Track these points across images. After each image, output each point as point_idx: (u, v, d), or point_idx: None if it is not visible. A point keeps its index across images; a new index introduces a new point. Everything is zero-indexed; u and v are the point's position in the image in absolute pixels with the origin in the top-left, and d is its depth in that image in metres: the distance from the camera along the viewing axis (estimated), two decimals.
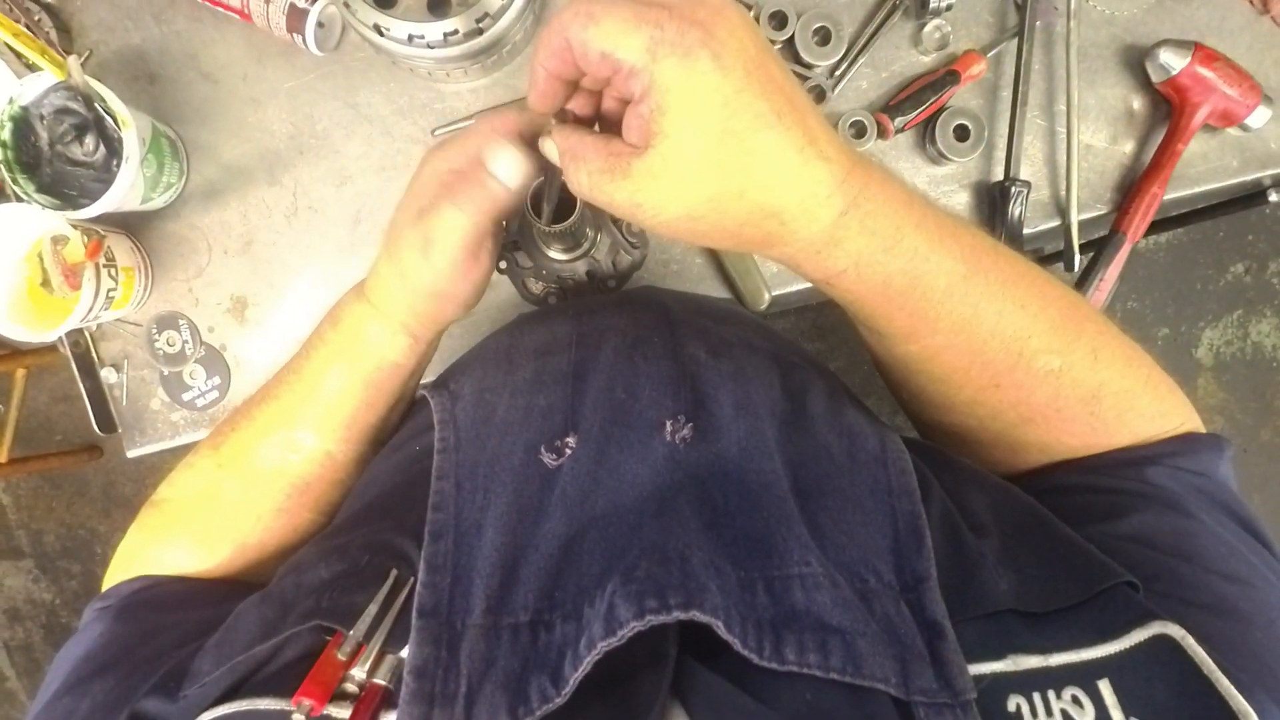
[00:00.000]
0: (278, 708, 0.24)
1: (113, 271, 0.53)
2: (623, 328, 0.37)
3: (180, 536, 0.39)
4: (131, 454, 0.59)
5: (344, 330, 0.38)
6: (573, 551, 0.26)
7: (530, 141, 0.32)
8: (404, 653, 0.24)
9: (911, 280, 0.30)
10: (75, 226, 0.50)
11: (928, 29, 0.57)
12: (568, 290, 0.53)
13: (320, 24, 0.54)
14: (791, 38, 0.56)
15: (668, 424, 0.31)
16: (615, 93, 0.29)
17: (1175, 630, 0.23)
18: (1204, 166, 0.63)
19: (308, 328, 0.58)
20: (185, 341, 0.59)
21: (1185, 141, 0.58)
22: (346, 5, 0.49)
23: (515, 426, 0.32)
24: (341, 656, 0.24)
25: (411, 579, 0.27)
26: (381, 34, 0.49)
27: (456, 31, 0.49)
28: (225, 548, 0.39)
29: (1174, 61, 0.57)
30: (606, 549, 0.26)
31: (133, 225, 0.57)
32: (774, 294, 0.58)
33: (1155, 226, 1.08)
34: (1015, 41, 0.57)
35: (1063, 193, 0.60)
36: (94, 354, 0.59)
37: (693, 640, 0.23)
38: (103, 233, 0.52)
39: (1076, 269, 0.60)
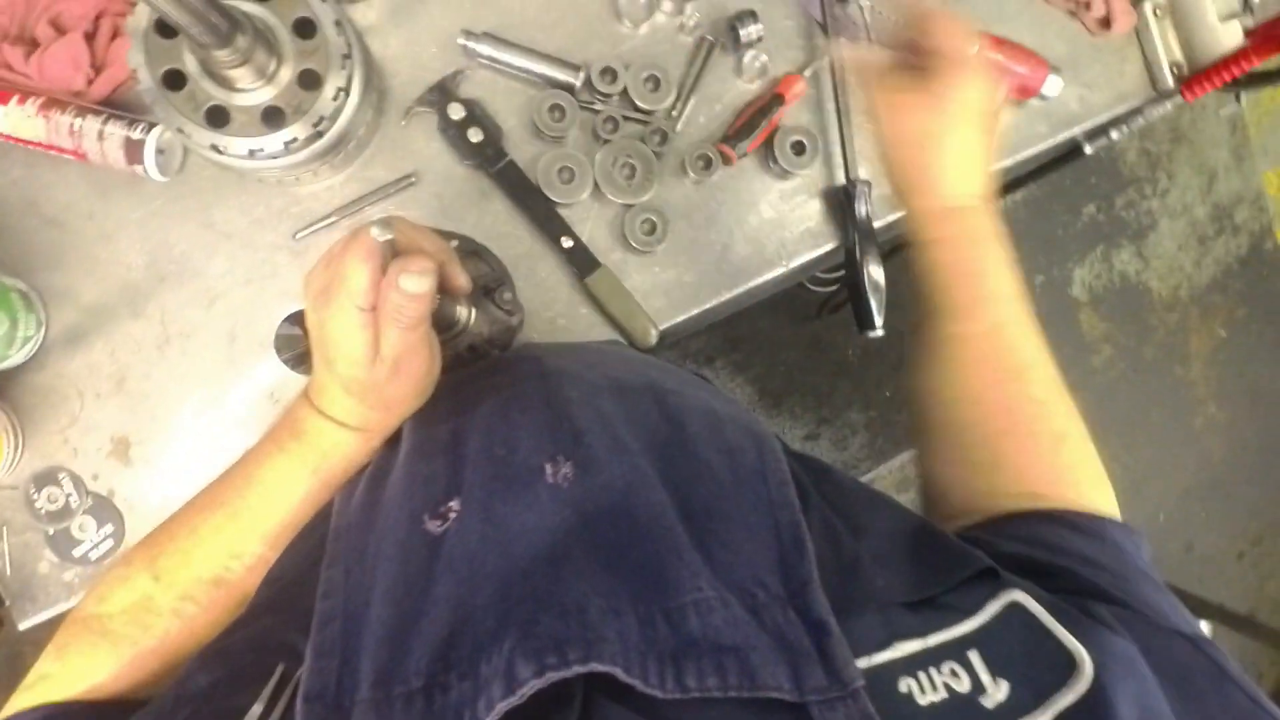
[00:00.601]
0: None
1: None
2: (497, 386, 0.39)
3: (107, 655, 0.38)
4: (23, 626, 0.55)
5: (309, 441, 0.39)
6: (465, 611, 0.27)
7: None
8: None
9: (979, 271, 0.45)
10: None
11: (746, 60, 0.62)
12: (457, 364, 0.54)
13: (160, 150, 0.54)
14: (625, 89, 0.59)
15: (547, 466, 0.32)
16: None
17: (1020, 595, 0.26)
18: (1019, 136, 0.70)
19: (201, 456, 0.57)
20: (69, 495, 0.56)
21: None
22: (180, 130, 0.49)
23: (399, 499, 0.32)
24: None
25: (299, 672, 0.26)
26: (220, 153, 0.50)
27: (295, 139, 0.50)
28: (150, 658, 0.38)
29: None
30: (501, 604, 0.26)
31: None
32: (661, 327, 0.60)
33: (1009, 188, 1.18)
34: (828, 59, 0.63)
35: None
36: None
37: (601, 678, 0.23)
38: None
39: None
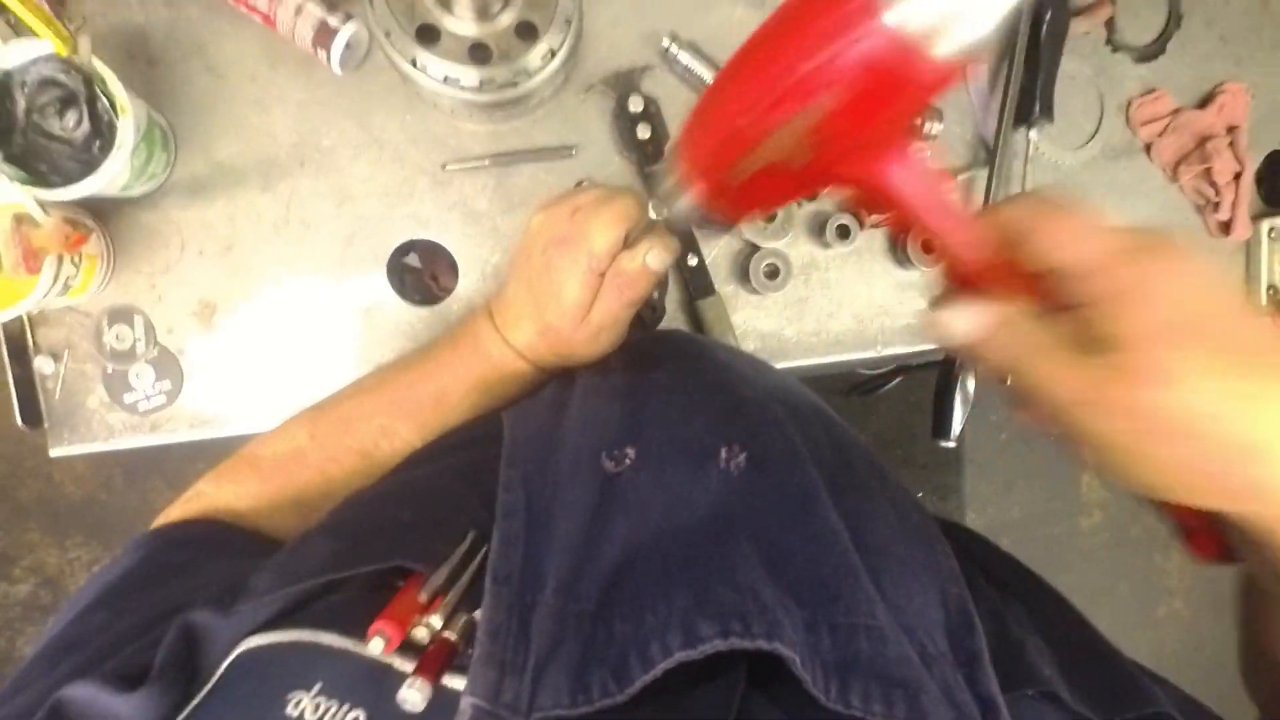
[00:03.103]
0: (340, 645, 0.23)
1: (76, 259, 0.49)
2: (669, 358, 0.40)
3: (254, 489, 0.40)
4: (55, 453, 0.54)
5: (489, 360, 0.41)
6: (633, 556, 0.27)
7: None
8: (476, 615, 0.24)
9: None
10: (45, 208, 0.46)
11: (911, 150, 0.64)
12: None
13: (348, 44, 0.53)
14: None
15: (722, 450, 0.31)
16: None
17: None
18: None
19: (281, 344, 0.56)
20: (138, 339, 0.55)
21: None
22: (387, 34, 0.49)
23: (579, 429, 0.33)
24: (421, 599, 0.24)
25: (485, 545, 0.26)
26: (417, 69, 0.50)
27: (493, 81, 0.50)
28: (291, 507, 0.40)
29: None
30: (663, 563, 0.26)
31: (100, 209, 0.54)
32: None
33: None
34: (982, 171, 0.65)
35: None
36: (29, 339, 0.54)
37: (755, 668, 0.23)
38: (90, 225, 0.48)
39: (1010, 381, 0.67)
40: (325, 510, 0.36)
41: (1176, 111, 0.68)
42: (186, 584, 0.30)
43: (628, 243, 0.37)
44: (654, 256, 0.35)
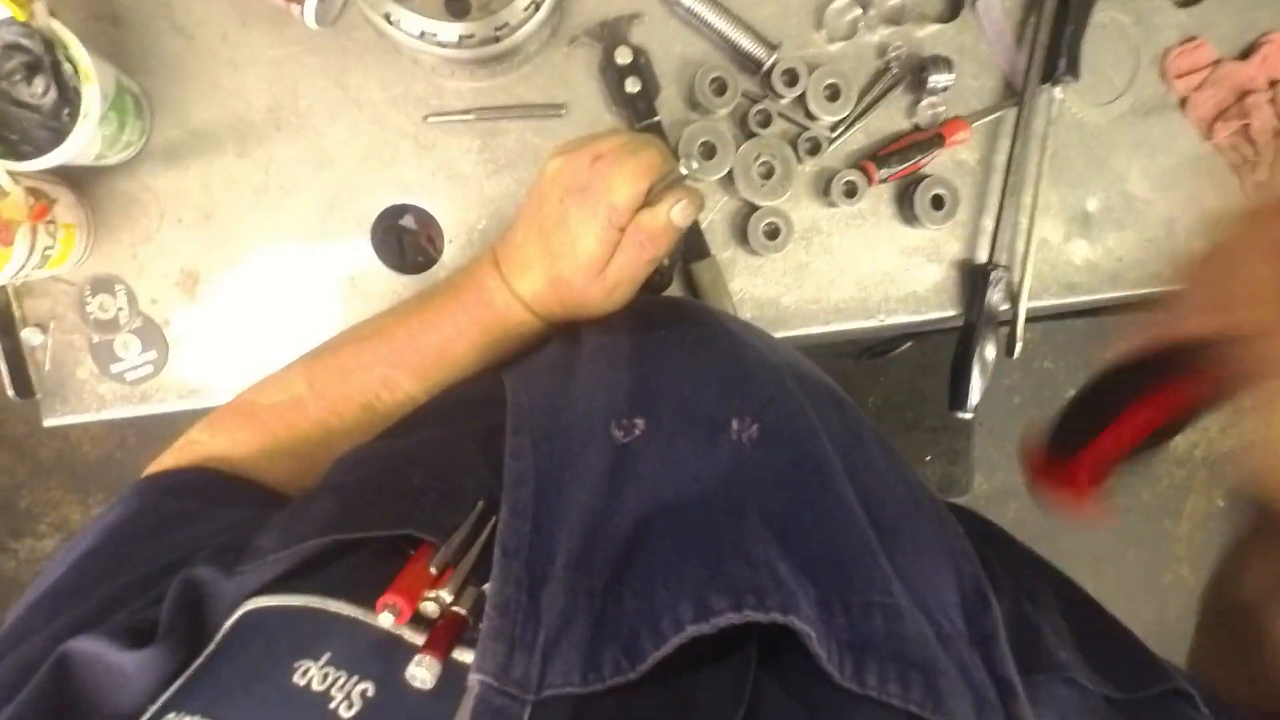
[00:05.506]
0: (349, 614, 0.22)
1: (52, 229, 0.48)
2: (679, 326, 0.38)
3: (251, 437, 0.39)
4: (49, 423, 0.54)
5: (495, 311, 0.40)
6: (643, 530, 0.26)
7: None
8: (486, 588, 0.23)
9: None
10: (14, 178, 0.45)
11: (923, 104, 0.60)
12: None
13: None
14: (803, 94, 0.57)
15: (734, 422, 0.30)
16: None
17: None
18: (1142, 272, 0.69)
19: (265, 313, 0.56)
20: (120, 309, 0.55)
21: None
22: None
23: (584, 395, 0.32)
24: (431, 571, 0.23)
25: (494, 515, 0.26)
26: (391, 23, 0.47)
27: (472, 36, 0.47)
28: (288, 458, 0.39)
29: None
30: (676, 537, 0.25)
31: (78, 178, 0.52)
32: None
33: (1091, 313, 1.17)
34: (999, 124, 0.61)
35: (1016, 279, 0.64)
36: (16, 311, 0.53)
37: (764, 649, 0.22)
38: (52, 196, 0.47)
39: (1015, 355, 0.64)
40: (324, 461, 0.34)
41: (1216, 63, 0.63)
42: (188, 533, 0.30)
43: (650, 197, 0.35)
44: (678, 212, 0.33)
